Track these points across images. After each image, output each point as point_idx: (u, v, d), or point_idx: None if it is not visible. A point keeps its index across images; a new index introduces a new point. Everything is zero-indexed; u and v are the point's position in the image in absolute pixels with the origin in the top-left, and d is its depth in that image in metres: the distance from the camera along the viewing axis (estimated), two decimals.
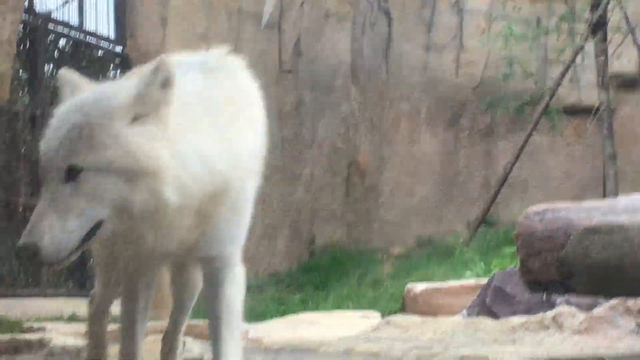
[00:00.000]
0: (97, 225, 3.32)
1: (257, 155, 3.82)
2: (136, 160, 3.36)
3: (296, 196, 20.58)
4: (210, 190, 3.56)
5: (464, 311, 10.94)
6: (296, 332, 9.56)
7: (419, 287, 13.54)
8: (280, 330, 9.75)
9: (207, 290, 4.01)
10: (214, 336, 3.89)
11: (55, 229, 3.19)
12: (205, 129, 3.55)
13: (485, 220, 20.37)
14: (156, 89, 3.48)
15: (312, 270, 19.22)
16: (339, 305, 14.95)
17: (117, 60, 18.56)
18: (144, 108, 3.46)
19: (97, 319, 5.09)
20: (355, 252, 20.35)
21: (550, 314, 8.18)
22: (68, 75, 3.65)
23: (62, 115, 3.48)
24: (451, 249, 19.46)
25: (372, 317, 11.04)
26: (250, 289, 4.48)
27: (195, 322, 6.57)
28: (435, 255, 19.31)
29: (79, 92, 3.62)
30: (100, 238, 3.49)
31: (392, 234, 21.13)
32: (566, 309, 7.98)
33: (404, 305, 13.06)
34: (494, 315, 9.92)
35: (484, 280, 12.16)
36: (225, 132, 3.57)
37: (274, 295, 16.76)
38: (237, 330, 3.88)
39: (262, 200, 4.21)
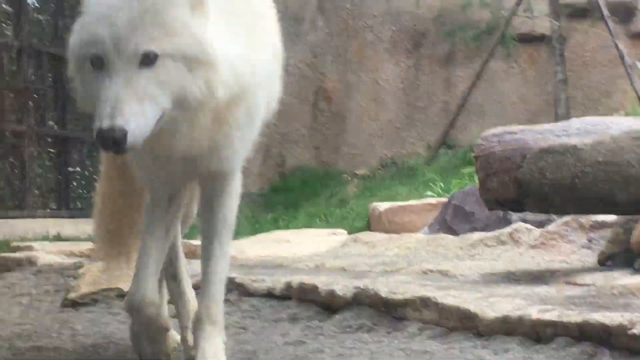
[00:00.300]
0: (160, 117, 3.20)
1: (271, 70, 3.75)
2: (203, 49, 3.24)
3: (267, 121, 20.58)
4: (232, 93, 3.41)
5: (426, 228, 10.96)
6: (269, 249, 9.57)
7: (383, 206, 13.56)
8: (254, 248, 9.76)
9: (205, 202, 3.96)
10: (206, 251, 3.89)
11: (137, 113, 3.06)
12: (229, 34, 3.43)
13: (445, 142, 20.42)
14: None
15: (282, 191, 19.27)
16: (308, 224, 14.97)
17: None
18: None
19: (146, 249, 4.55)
20: (323, 174, 20.39)
21: (507, 230, 8.20)
22: None
23: (116, 2, 3.22)
24: (413, 169, 19.48)
25: (340, 235, 11.05)
26: None
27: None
28: (398, 176, 19.31)
29: None
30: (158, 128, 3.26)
31: (357, 157, 21.16)
32: (522, 226, 8.02)
33: (369, 223, 13.07)
34: (454, 232, 9.94)
35: (444, 199, 12.19)
36: (246, 41, 3.48)
37: (247, 215, 16.80)
38: (227, 245, 3.86)
39: None
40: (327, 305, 5.82)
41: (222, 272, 3.85)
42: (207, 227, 3.87)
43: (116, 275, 7.03)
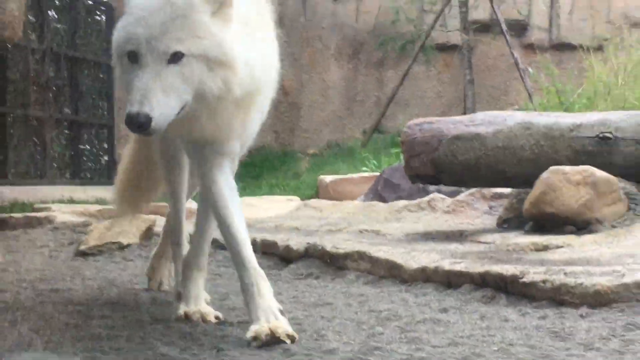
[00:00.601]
0: (182, 108, 3.18)
1: (275, 71, 3.72)
2: (223, 52, 3.22)
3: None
4: (248, 91, 3.39)
5: (362, 197, 11.02)
6: (247, 209, 9.56)
7: (328, 178, 13.60)
8: None
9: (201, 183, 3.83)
10: (202, 215, 3.93)
11: (163, 104, 3.05)
12: (247, 40, 3.41)
13: (377, 129, 20.53)
14: None
15: (249, 166, 19.16)
16: (269, 192, 14.94)
17: (103, 9, 18.25)
18: (214, 5, 3.26)
19: (174, 225, 4.60)
20: (281, 153, 20.55)
21: (425, 199, 8.28)
22: None
23: (153, 5, 3.21)
24: (352, 150, 19.63)
25: (294, 201, 11.04)
26: None
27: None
28: (340, 155, 19.45)
29: None
30: (180, 117, 3.24)
31: (308, 139, 21.33)
32: (438, 196, 8.15)
33: (317, 192, 13.10)
34: (384, 200, 10.00)
35: (376, 174, 12.28)
36: (259, 47, 3.46)
37: None
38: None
39: None
40: (284, 257, 5.85)
41: (211, 231, 3.86)
42: (204, 202, 3.84)
43: (117, 231, 7.01)
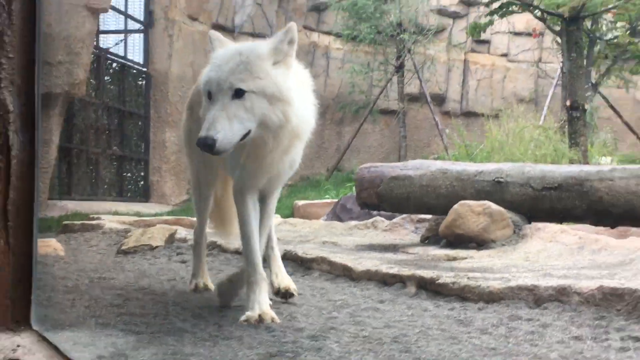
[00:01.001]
0: (247, 134, 3.13)
1: (311, 126, 3.61)
2: (279, 89, 3.18)
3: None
4: (293, 133, 3.34)
5: (325, 217, 11.05)
6: None
7: (300, 202, 13.68)
8: None
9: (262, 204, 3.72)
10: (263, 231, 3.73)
11: (226, 129, 3.02)
12: (300, 89, 3.43)
13: (337, 168, 20.53)
14: (285, 44, 3.28)
15: None
16: None
17: (144, 76, 18.23)
18: (278, 56, 3.25)
19: (198, 241, 4.62)
20: None
21: (370, 220, 8.35)
22: (216, 34, 3.45)
23: (225, 56, 3.23)
24: (319, 182, 19.60)
25: (277, 219, 10.97)
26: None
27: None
28: (310, 185, 19.41)
29: (224, 44, 3.40)
30: (246, 142, 3.21)
31: None
32: (379, 218, 8.23)
33: (293, 212, 13.09)
34: (341, 220, 10.10)
35: (335, 200, 12.40)
36: (307, 98, 3.47)
37: None
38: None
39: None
40: (302, 260, 5.80)
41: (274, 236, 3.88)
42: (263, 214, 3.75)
43: (149, 236, 6.98)
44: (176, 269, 5.66)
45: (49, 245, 6.36)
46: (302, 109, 3.33)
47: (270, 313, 3.39)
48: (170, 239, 6.96)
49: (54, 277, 5.02)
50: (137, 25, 18.33)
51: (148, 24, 18.17)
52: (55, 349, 2.13)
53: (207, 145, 2.97)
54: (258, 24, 20.62)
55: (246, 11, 20.39)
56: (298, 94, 3.32)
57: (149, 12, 18.16)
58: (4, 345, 2.11)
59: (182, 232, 7.21)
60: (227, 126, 3.01)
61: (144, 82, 18.26)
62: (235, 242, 5.83)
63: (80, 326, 3.20)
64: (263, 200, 3.76)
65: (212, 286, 4.36)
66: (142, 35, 18.28)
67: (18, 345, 2.12)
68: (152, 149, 17.88)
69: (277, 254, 3.95)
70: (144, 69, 18.12)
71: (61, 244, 6.71)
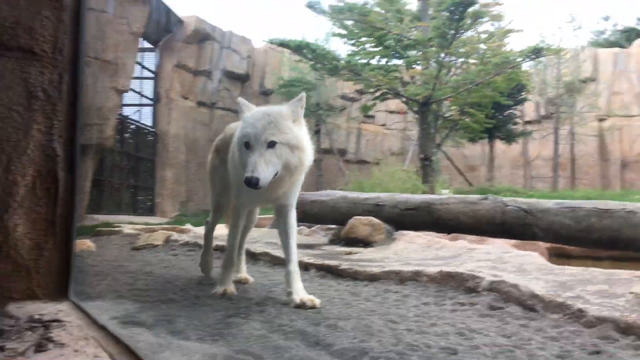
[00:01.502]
0: (276, 173, 2.87)
1: (312, 160, 3.24)
2: (297, 141, 2.94)
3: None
4: (302, 170, 3.10)
5: (269, 226, 10.80)
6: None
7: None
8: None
9: (279, 220, 3.42)
10: (285, 242, 3.38)
11: (265, 171, 2.77)
12: (307, 136, 3.14)
13: None
14: (299, 108, 3.03)
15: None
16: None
17: (152, 134, 17.97)
18: (294, 116, 3.00)
19: (209, 233, 4.38)
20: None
21: (298, 228, 8.16)
22: (243, 101, 3.13)
23: (257, 116, 2.93)
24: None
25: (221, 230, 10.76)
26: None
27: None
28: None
29: (250, 107, 3.08)
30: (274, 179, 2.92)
31: None
32: (303, 227, 7.89)
33: None
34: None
35: None
36: (309, 144, 3.11)
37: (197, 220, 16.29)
38: (295, 239, 3.40)
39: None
40: (252, 254, 5.70)
41: (295, 251, 3.33)
42: (283, 232, 3.38)
43: (153, 238, 6.81)
44: (170, 259, 5.54)
45: (84, 244, 6.18)
46: (309, 153, 3.09)
47: (309, 297, 3.07)
48: (167, 240, 6.82)
49: (87, 265, 4.86)
50: (148, 101, 18.23)
51: (156, 100, 18.12)
52: (85, 312, 2.07)
53: (253, 183, 2.74)
54: (227, 102, 20.51)
55: (219, 94, 20.24)
56: (307, 142, 3.09)
57: (156, 92, 18.15)
58: (50, 310, 2.06)
59: (175, 236, 7.05)
60: (265, 168, 2.78)
61: (152, 138, 18.08)
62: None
63: (104, 298, 3.10)
64: (283, 212, 3.39)
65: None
66: (151, 107, 18.21)
67: (60, 310, 2.07)
68: (157, 181, 17.88)
69: (294, 270, 3.26)
70: (153, 129, 18.03)
71: (94, 243, 6.51)
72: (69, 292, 2.25)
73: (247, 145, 2.88)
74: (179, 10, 18.20)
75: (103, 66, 12.81)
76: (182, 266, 4.95)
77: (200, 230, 9.40)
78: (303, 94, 3.06)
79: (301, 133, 3.04)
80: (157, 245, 6.58)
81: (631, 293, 2.79)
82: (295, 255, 3.32)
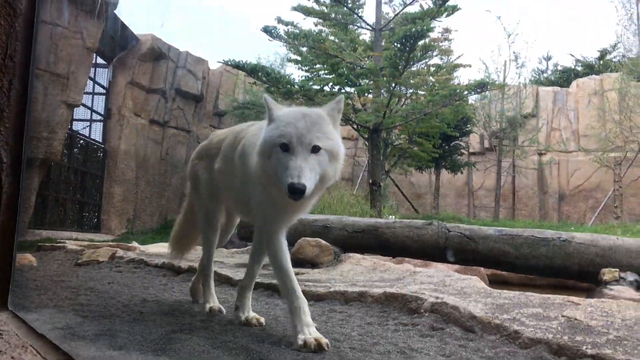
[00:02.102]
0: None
1: None
2: (338, 150, 2.50)
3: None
4: (334, 181, 2.62)
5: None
6: (160, 248, 9.11)
7: None
8: (153, 248, 9.31)
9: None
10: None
11: (311, 179, 2.32)
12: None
13: None
14: (336, 112, 2.57)
15: (166, 228, 18.32)
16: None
17: (102, 150, 17.57)
18: (333, 120, 2.54)
19: (207, 273, 3.61)
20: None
21: (246, 248, 8.12)
22: (269, 97, 2.65)
23: (294, 116, 2.49)
24: None
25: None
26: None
27: None
28: None
29: (279, 106, 2.62)
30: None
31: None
32: (244, 246, 7.91)
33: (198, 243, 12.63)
34: (227, 248, 9.75)
35: None
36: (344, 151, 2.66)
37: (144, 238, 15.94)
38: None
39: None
40: (177, 271, 5.59)
41: (259, 266, 3.07)
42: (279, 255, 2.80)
43: (97, 254, 6.63)
44: (114, 276, 5.39)
45: (25, 258, 5.96)
46: (342, 166, 2.62)
47: (321, 338, 2.51)
48: (112, 257, 6.64)
49: (27, 279, 4.68)
50: (99, 117, 17.86)
51: (107, 117, 17.77)
52: (23, 322, 2.00)
53: (299, 191, 2.28)
54: (180, 122, 20.26)
55: (172, 113, 20.00)
56: (344, 153, 2.62)
57: (108, 108, 17.81)
58: None
59: (120, 252, 6.88)
60: (310, 175, 2.35)
61: (102, 154, 17.67)
62: (182, 262, 5.27)
63: (43, 310, 3.00)
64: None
65: (223, 310, 3.38)
66: (102, 123, 17.84)
67: None
68: (104, 198, 17.42)
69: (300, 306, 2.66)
70: (102, 145, 17.62)
71: (35, 258, 6.28)
72: (7, 302, 2.17)
73: (284, 147, 2.42)
74: (135, 28, 18.02)
75: (55, 79, 12.51)
76: (126, 283, 4.82)
77: (152, 248, 9.22)
78: (341, 97, 2.67)
79: (340, 140, 2.59)
80: (102, 262, 6.40)
81: (563, 316, 2.89)
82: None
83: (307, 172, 2.34)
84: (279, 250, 2.73)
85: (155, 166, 19.30)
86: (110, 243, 10.16)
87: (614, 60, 27.52)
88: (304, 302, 2.65)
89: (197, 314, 3.19)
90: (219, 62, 16.63)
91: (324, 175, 2.47)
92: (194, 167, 3.60)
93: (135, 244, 9.59)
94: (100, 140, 17.70)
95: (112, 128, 17.79)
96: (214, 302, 3.45)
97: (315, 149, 2.41)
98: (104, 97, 17.92)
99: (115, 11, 16.02)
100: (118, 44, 17.42)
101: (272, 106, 2.60)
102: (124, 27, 17.24)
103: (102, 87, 17.82)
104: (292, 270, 2.74)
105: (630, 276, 5.42)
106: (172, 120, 20.00)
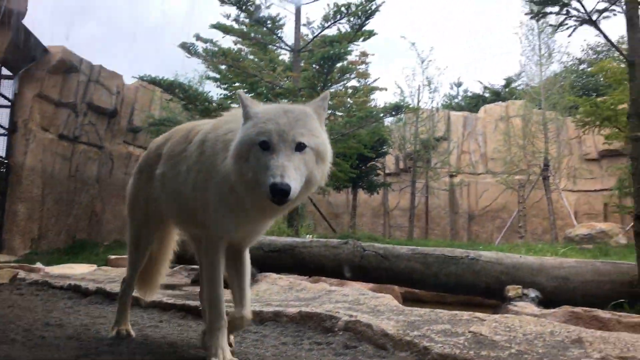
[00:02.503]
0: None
1: None
2: (326, 150, 2.24)
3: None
4: (320, 184, 2.33)
5: None
6: (66, 270, 8.70)
7: (113, 256, 12.66)
8: (59, 269, 8.87)
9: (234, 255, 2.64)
10: (238, 283, 2.66)
11: (296, 179, 2.05)
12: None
13: None
14: (322, 110, 2.30)
15: (71, 248, 17.52)
16: (81, 261, 13.68)
17: (5, 165, 16.59)
18: (319, 116, 2.28)
19: (127, 293, 3.36)
20: (92, 241, 18.62)
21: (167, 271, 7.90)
22: (244, 94, 2.31)
23: (275, 112, 2.20)
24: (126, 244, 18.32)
25: (94, 267, 10.15)
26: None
27: None
28: (120, 246, 18.01)
29: (256, 102, 2.32)
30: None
31: (107, 236, 19.53)
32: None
33: (106, 263, 12.15)
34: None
35: None
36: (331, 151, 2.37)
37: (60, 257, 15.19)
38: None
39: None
40: (84, 293, 5.34)
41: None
42: (236, 272, 2.68)
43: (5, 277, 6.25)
44: (14, 299, 5.07)
45: None
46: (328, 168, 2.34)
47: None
48: (13, 278, 6.25)
49: None
50: (3, 131, 16.89)
51: (11, 131, 16.81)
52: None
53: (283, 191, 1.99)
54: (92, 137, 19.50)
55: (83, 128, 19.24)
56: (331, 154, 2.34)
57: (13, 122, 16.86)
58: None
59: (22, 274, 6.49)
60: (295, 175, 2.07)
61: (4, 169, 16.66)
62: (152, 296, 4.46)
63: None
64: (240, 251, 2.69)
65: (133, 333, 3.17)
66: (6, 137, 16.87)
67: None
68: (6, 216, 16.39)
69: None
70: (6, 160, 16.61)
71: None
72: None
73: (264, 145, 2.15)
74: (45, 39, 17.23)
75: None
76: (27, 306, 4.55)
77: (58, 269, 8.77)
78: (327, 93, 2.43)
79: (327, 139, 2.33)
80: (2, 284, 6.01)
81: (470, 332, 3.01)
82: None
83: (291, 171, 2.06)
84: (216, 262, 2.50)
85: (64, 183, 18.41)
86: (13, 264, 9.59)
87: (518, 88, 29.29)
88: (225, 324, 2.50)
89: (104, 338, 3.06)
90: (135, 77, 16.21)
91: (310, 178, 2.20)
92: (135, 185, 3.20)
93: (39, 264, 9.11)
94: (4, 156, 16.72)
95: (17, 143, 16.83)
96: (124, 326, 3.24)
97: (300, 147, 2.15)
98: (8, 110, 16.99)
99: (22, 21, 15.29)
100: (25, 55, 16.59)
101: (247, 103, 2.32)
102: (32, 37, 16.46)
103: (7, 99, 16.89)
104: (222, 287, 2.52)
105: (532, 292, 5.72)
106: (83, 136, 19.22)
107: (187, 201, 2.65)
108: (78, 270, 8.86)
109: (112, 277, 6.22)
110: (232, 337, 2.77)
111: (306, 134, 2.17)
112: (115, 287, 5.22)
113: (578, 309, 4.59)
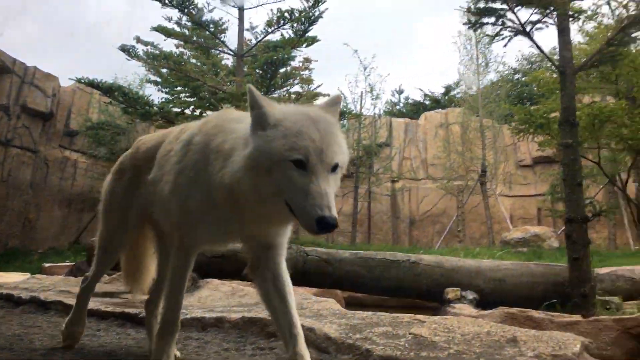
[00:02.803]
0: None
1: None
2: (347, 165, 1.99)
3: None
4: None
5: (63, 274, 10.00)
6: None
7: (47, 264, 12.23)
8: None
9: (262, 272, 2.45)
10: (283, 310, 2.40)
11: (334, 205, 1.80)
12: None
13: (76, 242, 18.74)
14: (338, 112, 2.02)
15: (4, 255, 16.79)
16: (14, 270, 13.13)
17: None
18: (339, 125, 1.94)
19: (86, 291, 3.16)
20: (26, 250, 17.87)
21: (105, 278, 7.62)
22: (255, 90, 1.97)
23: (306, 122, 1.89)
24: (62, 251, 17.70)
25: (27, 275, 9.74)
26: None
27: None
28: (55, 254, 17.42)
29: (270, 102, 2.00)
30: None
31: (40, 244, 18.83)
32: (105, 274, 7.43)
33: (41, 271, 11.71)
34: (75, 276, 9.13)
35: (72, 264, 11.21)
36: None
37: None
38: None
39: None
40: (17, 302, 5.10)
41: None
42: (276, 288, 2.48)
43: None
44: None
45: None
46: None
47: None
48: None
49: None
50: None
51: None
52: None
53: (330, 226, 1.75)
54: (25, 141, 18.76)
55: (16, 131, 18.47)
56: None
57: None
58: None
59: None
60: (334, 202, 1.84)
61: None
62: (141, 296, 4.55)
63: None
64: (275, 263, 2.47)
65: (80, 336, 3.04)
66: None
67: None
68: None
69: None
70: None
71: None
72: None
73: (299, 164, 1.85)
74: None
75: None
76: None
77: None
78: (339, 94, 2.20)
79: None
80: None
81: (410, 334, 3.07)
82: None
83: (333, 199, 1.84)
84: (185, 268, 2.35)
85: None
86: None
87: (457, 96, 30.08)
88: (176, 333, 2.39)
89: (37, 348, 2.95)
90: (72, 79, 15.71)
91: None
92: (111, 186, 2.93)
93: None
94: None
95: None
96: (78, 326, 3.06)
97: (334, 168, 1.92)
98: None
99: None
100: None
101: (263, 103, 1.99)
102: None
103: None
104: (183, 296, 2.41)
105: (470, 294, 5.89)
106: (15, 139, 18.48)
107: (163, 201, 2.43)
108: (9, 280, 8.48)
109: (46, 285, 5.98)
110: (176, 350, 2.68)
111: (339, 152, 1.93)
112: (51, 296, 5.04)
113: (513, 310, 4.75)
